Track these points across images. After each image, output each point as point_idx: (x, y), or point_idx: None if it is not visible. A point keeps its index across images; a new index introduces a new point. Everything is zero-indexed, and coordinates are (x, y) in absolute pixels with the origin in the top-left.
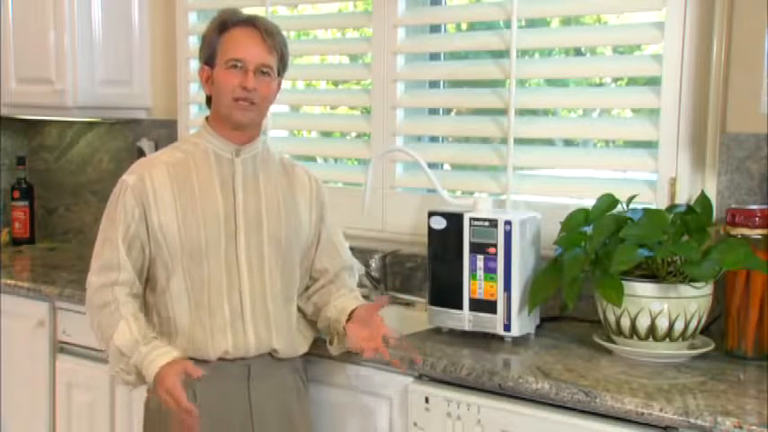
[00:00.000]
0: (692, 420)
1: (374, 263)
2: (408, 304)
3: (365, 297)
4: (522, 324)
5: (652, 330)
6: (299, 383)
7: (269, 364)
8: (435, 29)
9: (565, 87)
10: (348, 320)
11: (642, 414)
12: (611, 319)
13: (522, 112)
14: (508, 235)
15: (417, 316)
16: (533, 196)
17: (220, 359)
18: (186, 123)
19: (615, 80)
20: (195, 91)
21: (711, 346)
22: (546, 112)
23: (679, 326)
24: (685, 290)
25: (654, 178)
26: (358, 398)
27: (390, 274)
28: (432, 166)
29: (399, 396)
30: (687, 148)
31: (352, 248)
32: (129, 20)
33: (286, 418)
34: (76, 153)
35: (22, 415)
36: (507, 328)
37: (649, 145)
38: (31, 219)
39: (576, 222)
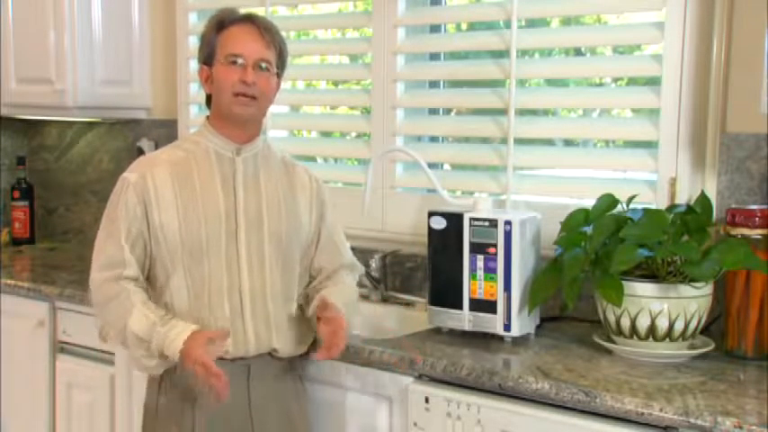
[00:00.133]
0: (692, 420)
1: (374, 263)
2: (408, 304)
3: (365, 297)
4: (522, 324)
5: (652, 330)
6: (297, 383)
7: (268, 363)
8: (435, 29)
9: (565, 87)
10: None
11: (642, 414)
12: (611, 319)
13: (522, 112)
14: (508, 235)
15: (417, 316)
16: (533, 196)
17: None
18: (186, 123)
19: (615, 80)
20: (195, 91)
21: (711, 346)
22: (546, 112)
23: (679, 326)
24: (685, 290)
25: (654, 178)
26: (358, 398)
27: (390, 274)
28: (432, 166)
29: (399, 396)
30: (687, 148)
31: (352, 248)
32: (129, 20)
33: (285, 417)
34: (76, 153)
35: (22, 415)
36: (507, 328)
37: (649, 145)
38: (31, 219)
39: (575, 222)
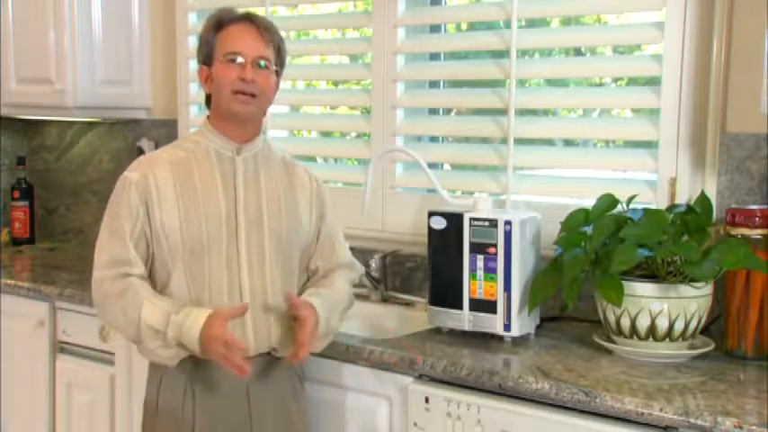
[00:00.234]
0: (692, 420)
1: (374, 263)
2: (408, 304)
3: (365, 297)
4: (522, 324)
5: (652, 330)
6: (296, 383)
7: (268, 362)
8: (435, 29)
9: (565, 87)
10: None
11: (642, 414)
12: (611, 319)
13: (522, 112)
14: (508, 235)
15: (417, 316)
16: (533, 196)
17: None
18: (186, 123)
19: (615, 80)
20: (195, 91)
21: (711, 346)
22: (546, 112)
23: (679, 326)
24: (685, 290)
25: (654, 178)
26: (358, 398)
27: (390, 274)
28: (432, 166)
29: (399, 396)
30: (687, 148)
31: (352, 248)
32: (129, 20)
33: (284, 416)
34: (76, 153)
35: (22, 415)
36: (507, 328)
37: (649, 145)
38: (31, 219)
39: (575, 222)
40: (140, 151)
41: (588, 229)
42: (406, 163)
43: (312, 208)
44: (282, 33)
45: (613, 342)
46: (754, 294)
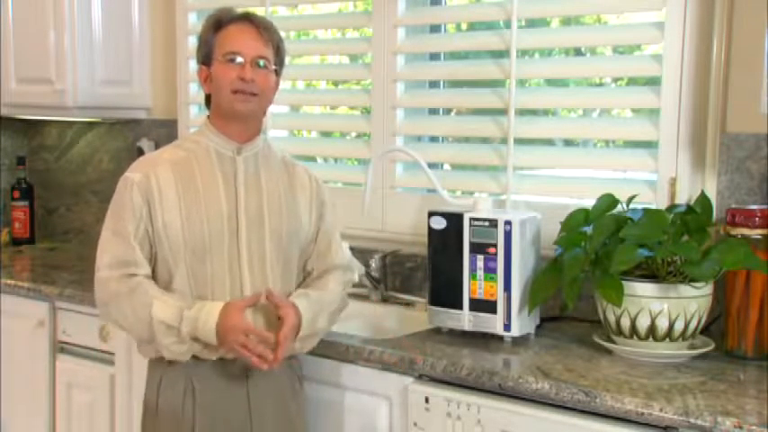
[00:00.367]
0: (692, 420)
1: (374, 263)
2: (408, 304)
3: (365, 297)
4: (522, 324)
5: (652, 330)
6: (296, 383)
7: None
8: (435, 29)
9: (565, 87)
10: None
11: (642, 414)
12: (611, 319)
13: (522, 112)
14: (508, 235)
15: (417, 316)
16: (533, 196)
17: (220, 358)
18: (186, 123)
19: (615, 80)
20: (195, 91)
21: (711, 346)
22: (546, 112)
23: (679, 326)
24: (685, 290)
25: (654, 178)
26: (358, 398)
27: (390, 274)
28: (432, 166)
29: (399, 396)
30: (687, 148)
31: (352, 248)
32: (129, 20)
33: (284, 416)
34: (76, 153)
35: (22, 415)
36: (507, 328)
37: (649, 145)
38: (31, 219)
39: (576, 222)
40: (140, 151)
41: (588, 229)
42: (406, 163)
43: (312, 208)
44: (282, 33)
45: (613, 342)
46: (754, 294)
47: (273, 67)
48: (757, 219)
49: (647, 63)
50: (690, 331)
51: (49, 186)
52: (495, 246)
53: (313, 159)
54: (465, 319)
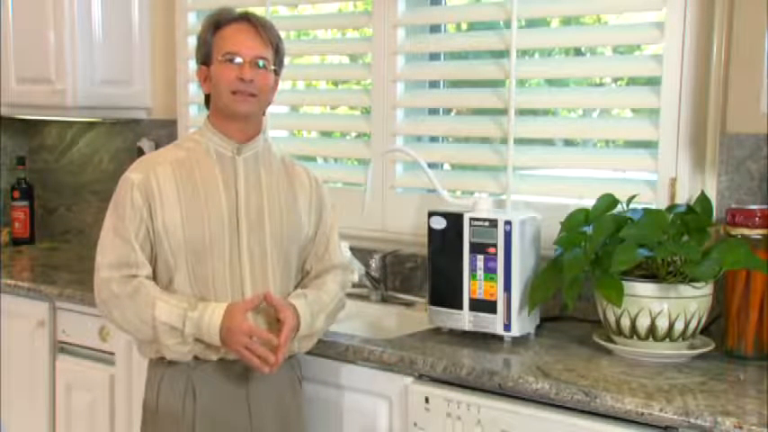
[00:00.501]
0: (692, 420)
1: (374, 263)
2: (408, 304)
3: (365, 297)
4: (522, 324)
5: (652, 330)
6: (295, 383)
7: None
8: (435, 29)
9: (565, 87)
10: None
11: (642, 414)
12: (611, 319)
13: (522, 112)
14: (508, 235)
15: (417, 316)
16: (533, 196)
17: (221, 359)
18: (186, 123)
19: (615, 80)
20: (195, 91)
21: (711, 346)
22: (546, 112)
23: (679, 326)
24: (685, 290)
25: (654, 178)
26: (358, 398)
27: (390, 274)
28: (432, 166)
29: (399, 396)
30: (687, 148)
31: (351, 248)
32: (129, 20)
33: (284, 416)
34: (76, 153)
35: (22, 415)
36: (507, 328)
37: (649, 145)
38: (31, 219)
39: (576, 222)
40: (140, 151)
41: (588, 229)
42: (406, 163)
43: (311, 208)
44: (282, 33)
45: (613, 342)
46: (754, 294)
47: (273, 67)
48: (757, 219)
49: (647, 63)
50: (690, 331)
51: (49, 186)
52: (495, 246)
53: (313, 159)
54: (465, 319)
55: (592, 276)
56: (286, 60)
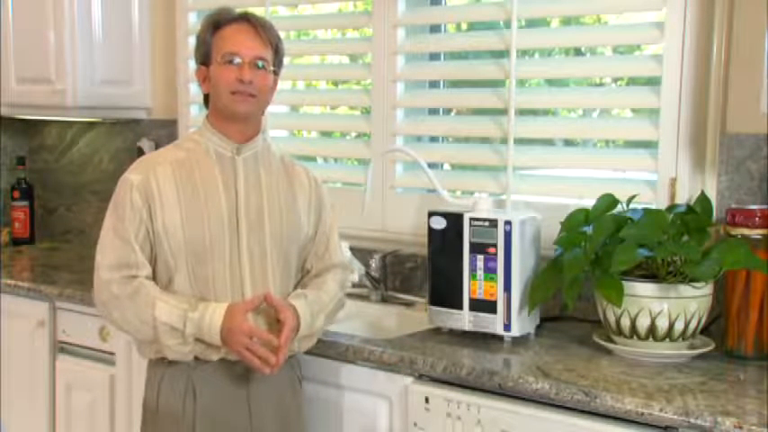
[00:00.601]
0: (692, 420)
1: (374, 263)
2: (408, 304)
3: (365, 297)
4: (522, 324)
5: (652, 330)
6: (296, 383)
7: None
8: (435, 29)
9: (565, 87)
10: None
11: (642, 414)
12: (611, 319)
13: (522, 112)
14: (508, 235)
15: (417, 316)
16: (533, 196)
17: (221, 359)
18: (186, 123)
19: (615, 80)
20: (195, 91)
21: (711, 346)
22: (546, 112)
23: (679, 326)
24: (685, 290)
25: (654, 178)
26: (358, 398)
27: (390, 274)
28: (432, 166)
29: (399, 396)
30: (687, 148)
31: (351, 248)
32: (129, 20)
33: (284, 416)
34: (76, 153)
35: (22, 415)
36: (507, 328)
37: (649, 145)
38: (31, 219)
39: (576, 222)
40: (140, 151)
41: (588, 229)
42: (406, 163)
43: (311, 208)
44: (282, 33)
45: (613, 342)
46: (754, 294)
47: (272, 67)
48: (757, 219)
49: (647, 63)
50: (690, 331)
51: (49, 186)
52: (495, 246)
53: (313, 159)
54: (465, 319)
55: (592, 276)
56: (286, 60)
